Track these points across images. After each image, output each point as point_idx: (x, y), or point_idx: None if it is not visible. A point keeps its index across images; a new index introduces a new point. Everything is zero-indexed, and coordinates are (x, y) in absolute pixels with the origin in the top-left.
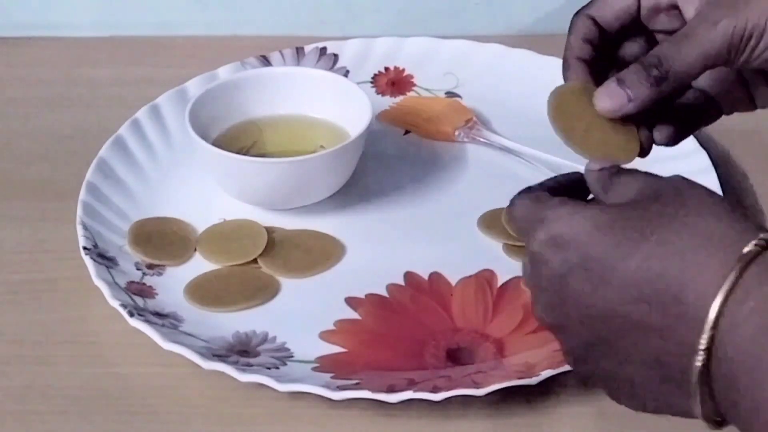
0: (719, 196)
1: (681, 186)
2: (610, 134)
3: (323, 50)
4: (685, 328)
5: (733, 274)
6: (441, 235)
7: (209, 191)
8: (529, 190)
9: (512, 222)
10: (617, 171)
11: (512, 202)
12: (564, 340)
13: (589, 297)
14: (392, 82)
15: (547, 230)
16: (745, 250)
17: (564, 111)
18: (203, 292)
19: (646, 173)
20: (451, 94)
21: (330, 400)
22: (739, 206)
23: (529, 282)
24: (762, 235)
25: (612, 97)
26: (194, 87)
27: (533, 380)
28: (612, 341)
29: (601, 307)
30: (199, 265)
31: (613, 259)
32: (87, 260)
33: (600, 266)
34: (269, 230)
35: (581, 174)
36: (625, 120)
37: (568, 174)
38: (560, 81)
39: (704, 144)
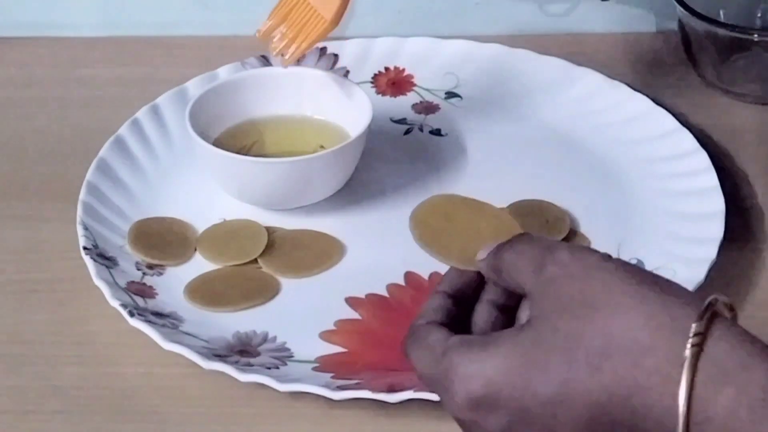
0: (620, 272)
1: (577, 273)
2: (483, 230)
3: (323, 50)
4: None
5: (686, 377)
6: None
7: (209, 191)
8: (419, 330)
9: (419, 377)
10: (500, 248)
11: (408, 353)
12: None
13: None
14: (392, 82)
15: (465, 393)
16: (686, 354)
17: (427, 222)
18: (203, 292)
19: (528, 247)
20: (451, 94)
21: (330, 399)
22: (649, 277)
23: None
24: (694, 328)
25: None
26: (194, 87)
27: None
28: None
29: None
30: (199, 265)
31: (551, 401)
32: (87, 260)
33: (540, 412)
34: (269, 230)
35: (463, 280)
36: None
37: (449, 290)
38: (560, 81)
39: (704, 144)
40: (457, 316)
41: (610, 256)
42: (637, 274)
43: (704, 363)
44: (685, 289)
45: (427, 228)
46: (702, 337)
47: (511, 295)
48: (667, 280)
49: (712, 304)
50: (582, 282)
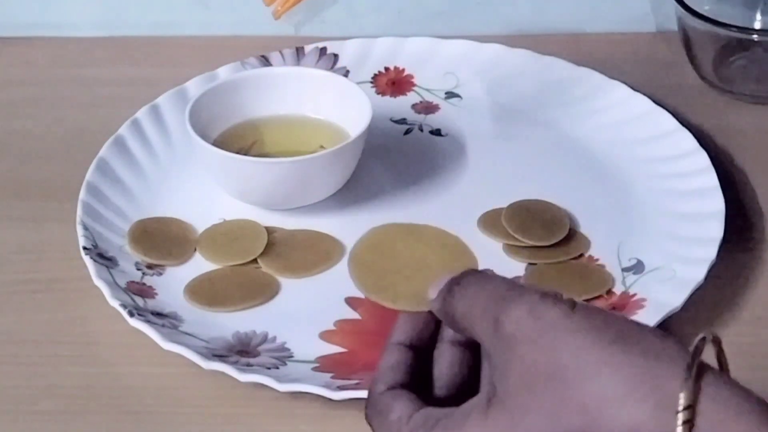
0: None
1: (537, 337)
2: (433, 266)
3: (323, 50)
4: None
5: None
6: None
7: (209, 191)
8: (380, 401)
9: None
10: (449, 293)
11: (371, 426)
12: None
13: None
14: (392, 82)
15: None
16: (678, 431)
17: (366, 264)
18: (203, 292)
19: (480, 295)
20: (451, 94)
21: (330, 400)
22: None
23: None
24: (683, 401)
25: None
26: (194, 87)
27: None
28: None
29: None
30: (199, 265)
31: None
32: (87, 260)
33: None
34: (269, 230)
35: (417, 325)
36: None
37: (405, 341)
38: (560, 81)
39: (704, 144)
40: (418, 367)
41: (573, 305)
42: (606, 329)
43: None
44: (662, 337)
45: (368, 270)
46: (692, 412)
47: None
48: (641, 328)
49: (697, 353)
50: (546, 350)
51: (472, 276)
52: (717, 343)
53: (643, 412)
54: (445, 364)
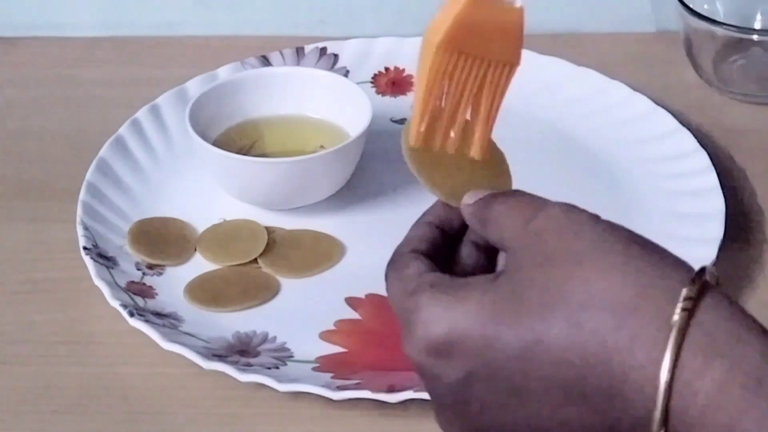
0: (610, 233)
1: (565, 227)
2: (477, 170)
3: (323, 50)
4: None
5: (671, 349)
6: None
7: (209, 191)
8: (400, 259)
9: (391, 301)
10: (492, 197)
11: (385, 278)
12: None
13: (502, 409)
14: (392, 82)
15: (425, 336)
16: (675, 318)
17: (425, 159)
18: (203, 292)
19: (521, 201)
20: None
21: (330, 400)
22: (637, 240)
23: (428, 391)
24: (685, 293)
25: None
26: (194, 87)
27: None
28: None
29: (521, 416)
30: (199, 265)
31: (521, 357)
32: (87, 260)
33: (507, 369)
34: (269, 230)
35: (450, 214)
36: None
37: (437, 222)
38: (560, 80)
39: (704, 143)
40: (442, 248)
41: (599, 218)
42: (627, 234)
43: (694, 330)
44: (676, 256)
45: (426, 154)
46: (693, 302)
47: None
48: (658, 246)
49: (703, 272)
50: (569, 237)
51: (514, 192)
52: (718, 283)
53: (645, 297)
54: (463, 258)
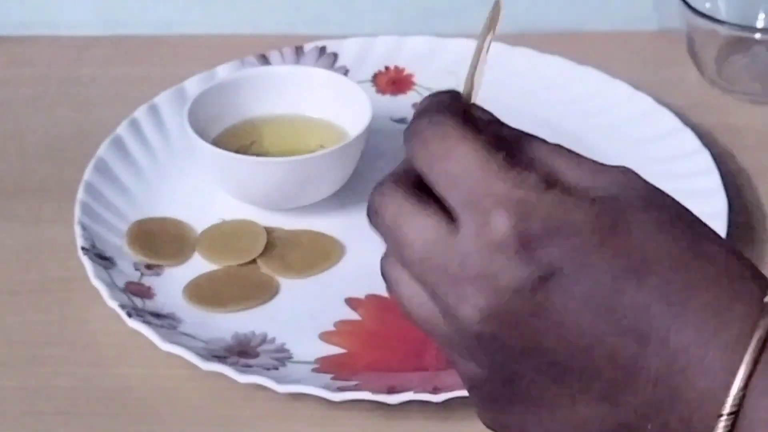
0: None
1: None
2: None
3: (323, 49)
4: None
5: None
6: None
7: (208, 191)
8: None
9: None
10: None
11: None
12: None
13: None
14: (392, 81)
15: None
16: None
17: None
18: (202, 292)
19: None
20: None
21: (330, 401)
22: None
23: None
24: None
25: None
26: (193, 86)
27: None
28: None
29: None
30: (198, 265)
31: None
32: (85, 260)
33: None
34: (269, 230)
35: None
36: None
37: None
38: (561, 79)
39: (706, 143)
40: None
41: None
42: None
43: None
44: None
45: None
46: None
47: None
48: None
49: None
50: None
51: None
52: None
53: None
54: None
